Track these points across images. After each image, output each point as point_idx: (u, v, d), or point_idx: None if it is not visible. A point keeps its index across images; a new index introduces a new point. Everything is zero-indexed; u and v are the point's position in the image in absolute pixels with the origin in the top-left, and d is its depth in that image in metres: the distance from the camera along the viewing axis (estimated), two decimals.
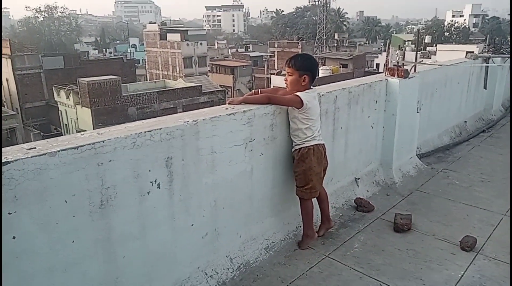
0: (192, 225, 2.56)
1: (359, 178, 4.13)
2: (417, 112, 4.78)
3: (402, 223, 3.40)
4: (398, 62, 4.53)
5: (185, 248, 2.56)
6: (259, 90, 3.21)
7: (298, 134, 2.97)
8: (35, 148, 1.91)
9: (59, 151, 1.90)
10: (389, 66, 4.46)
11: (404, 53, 4.89)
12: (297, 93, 2.90)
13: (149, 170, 2.25)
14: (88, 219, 2.05)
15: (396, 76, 4.33)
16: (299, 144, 2.98)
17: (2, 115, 29.80)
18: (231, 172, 2.75)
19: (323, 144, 3.06)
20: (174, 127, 2.34)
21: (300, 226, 3.23)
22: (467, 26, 76.62)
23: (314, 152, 2.97)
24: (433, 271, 2.89)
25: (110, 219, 2.14)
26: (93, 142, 2.02)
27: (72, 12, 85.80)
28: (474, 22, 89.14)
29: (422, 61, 5.48)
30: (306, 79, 2.92)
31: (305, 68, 2.92)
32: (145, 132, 2.21)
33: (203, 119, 2.50)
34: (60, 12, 71.25)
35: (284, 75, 3.49)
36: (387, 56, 4.88)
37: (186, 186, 2.46)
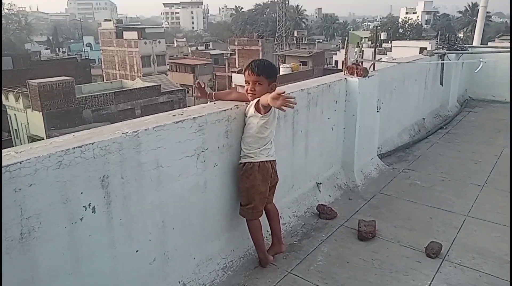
0: (137, 251, 2.26)
1: (320, 183, 3.96)
2: (377, 111, 4.68)
3: (366, 231, 3.25)
4: (357, 60, 4.40)
5: (130, 278, 2.26)
6: (214, 93, 3.00)
7: (250, 142, 2.69)
8: None
9: None
10: (348, 65, 4.32)
11: (362, 50, 4.78)
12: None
13: (81, 193, 1.94)
14: (5, 257, 1.71)
15: (355, 75, 4.19)
16: (246, 155, 2.71)
17: None
18: (181, 187, 2.47)
19: (273, 160, 2.79)
20: (110, 140, 2.04)
21: None
22: (420, 23, 79.29)
23: (260, 169, 2.69)
24: (400, 282, 2.75)
25: (34, 254, 1.81)
26: (7, 164, 1.68)
27: (21, 9, 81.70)
28: (426, 19, 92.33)
29: (381, 58, 5.41)
30: (275, 87, 2.70)
31: (273, 76, 2.71)
32: (73, 148, 1.89)
33: (145, 129, 2.21)
34: (7, 9, 67.60)
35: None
36: (345, 54, 4.73)
37: (127, 208, 2.16)
